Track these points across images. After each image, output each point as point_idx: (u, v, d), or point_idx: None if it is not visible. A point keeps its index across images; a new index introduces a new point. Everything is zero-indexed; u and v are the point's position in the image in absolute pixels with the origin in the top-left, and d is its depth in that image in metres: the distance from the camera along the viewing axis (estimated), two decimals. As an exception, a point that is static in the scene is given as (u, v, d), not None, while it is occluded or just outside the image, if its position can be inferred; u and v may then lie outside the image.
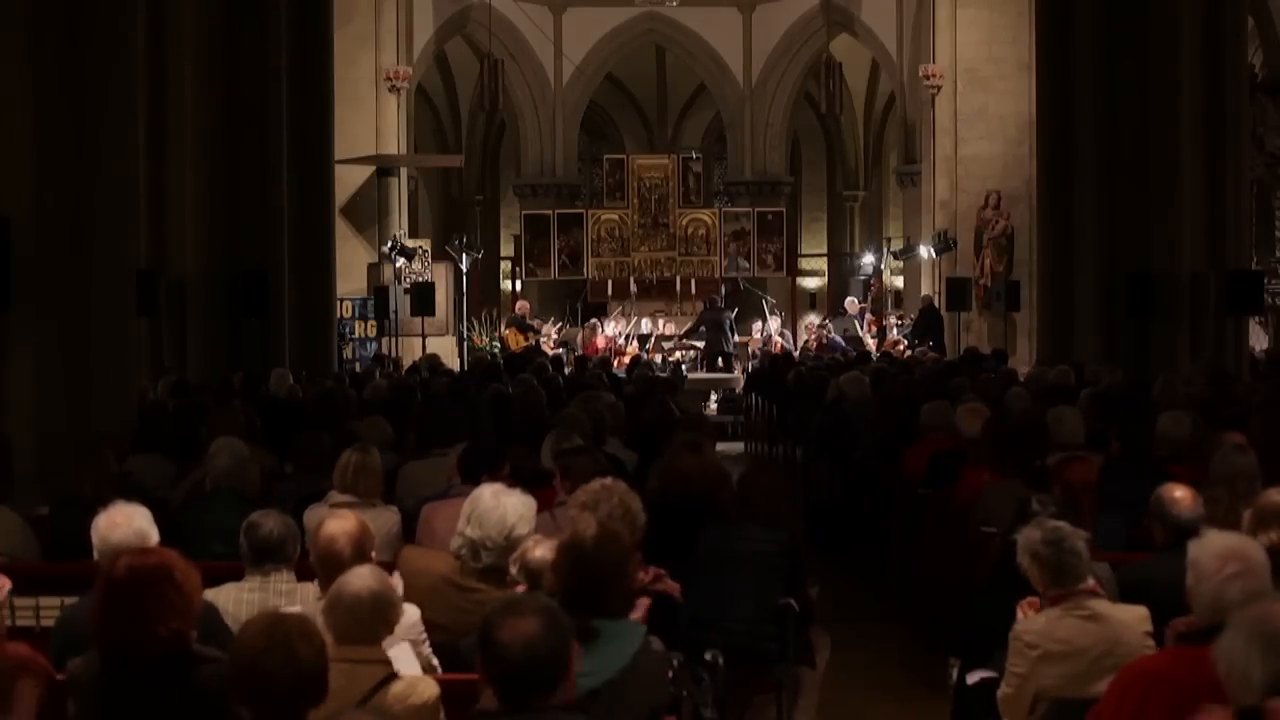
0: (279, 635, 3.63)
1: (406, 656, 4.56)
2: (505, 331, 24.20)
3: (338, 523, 5.04)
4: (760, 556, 6.33)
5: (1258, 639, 3.45)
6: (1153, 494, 5.69)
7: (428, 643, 4.94)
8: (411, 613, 4.84)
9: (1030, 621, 4.96)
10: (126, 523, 5.12)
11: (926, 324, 22.98)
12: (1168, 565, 5.02)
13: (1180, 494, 5.60)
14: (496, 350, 23.57)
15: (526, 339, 23.50)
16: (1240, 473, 6.30)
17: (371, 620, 4.30)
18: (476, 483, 5.86)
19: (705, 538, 6.32)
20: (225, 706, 3.72)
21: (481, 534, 5.23)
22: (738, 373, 22.89)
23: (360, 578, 4.39)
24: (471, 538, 5.24)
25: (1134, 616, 4.93)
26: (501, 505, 5.28)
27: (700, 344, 24.19)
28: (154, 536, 5.12)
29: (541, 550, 4.86)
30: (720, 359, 23.51)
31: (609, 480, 5.44)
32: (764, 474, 7.29)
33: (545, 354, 19.99)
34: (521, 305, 25.55)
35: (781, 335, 24.97)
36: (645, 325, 25.70)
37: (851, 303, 26.82)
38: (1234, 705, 3.44)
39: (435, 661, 4.92)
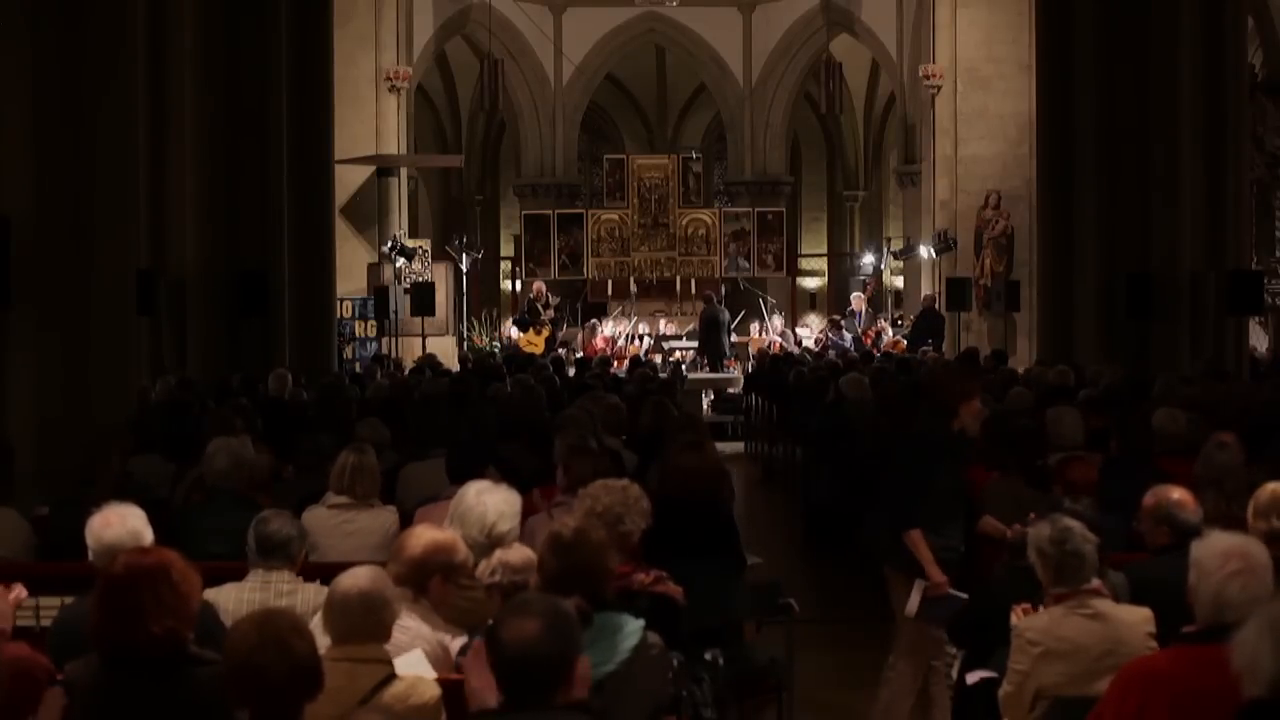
0: (270, 632, 3.62)
1: (421, 665, 4.55)
2: (517, 338, 23.95)
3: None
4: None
5: (1271, 631, 3.45)
6: (1147, 496, 5.70)
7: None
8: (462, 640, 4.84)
9: (1033, 619, 4.98)
10: (120, 522, 5.11)
11: (926, 325, 22.98)
12: (1169, 565, 5.03)
13: (1179, 495, 5.62)
14: (496, 350, 23.55)
15: (539, 332, 23.37)
16: (1227, 471, 6.30)
17: (362, 618, 4.28)
18: (464, 483, 5.86)
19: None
20: (223, 708, 3.71)
21: (463, 532, 5.26)
22: (737, 373, 22.88)
23: (354, 577, 4.39)
24: None
25: (1137, 617, 4.94)
26: (483, 503, 5.32)
27: (696, 343, 24.17)
28: (148, 536, 5.11)
29: (515, 555, 4.89)
30: (714, 359, 23.41)
31: (614, 480, 5.44)
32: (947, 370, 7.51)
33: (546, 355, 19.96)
34: (537, 287, 25.05)
35: (782, 336, 24.93)
36: (645, 325, 25.69)
37: (857, 298, 26.81)
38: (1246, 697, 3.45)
39: None
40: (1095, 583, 4.95)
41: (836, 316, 27.54)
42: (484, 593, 5.09)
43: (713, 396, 21.97)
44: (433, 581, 4.79)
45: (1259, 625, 3.49)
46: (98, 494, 6.37)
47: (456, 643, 4.80)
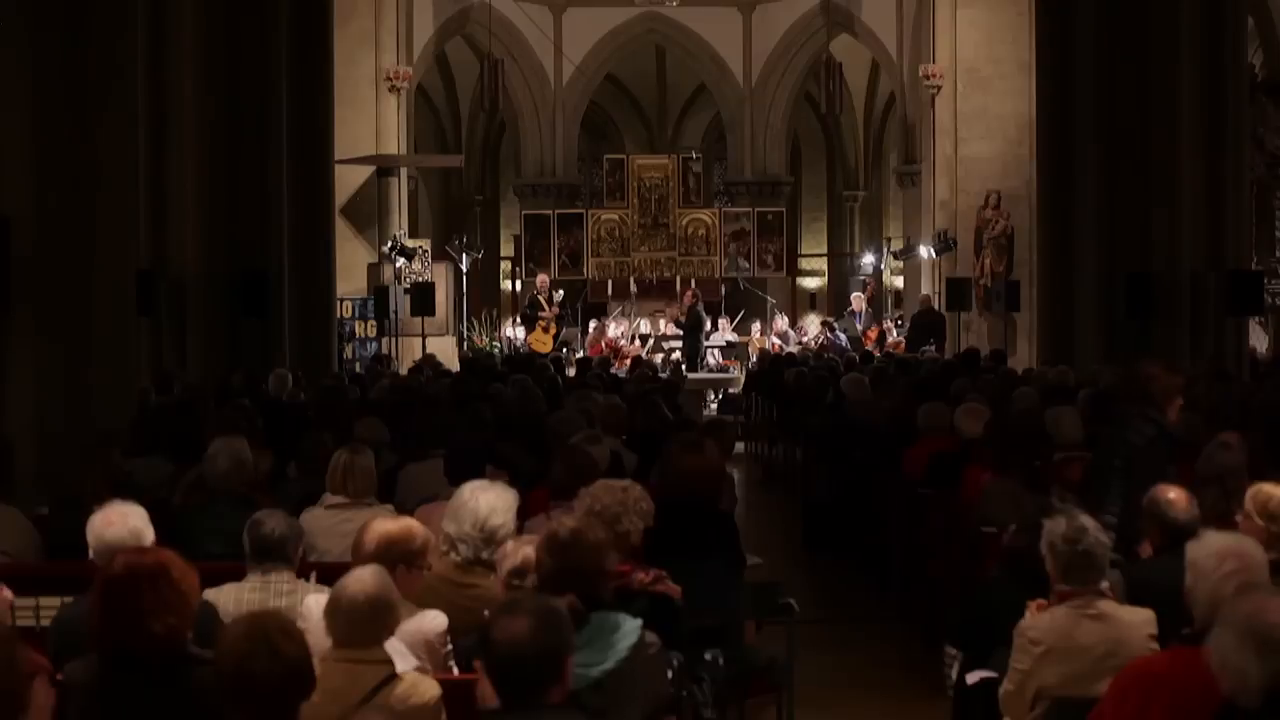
0: (260, 635, 3.62)
1: (404, 656, 4.55)
2: (530, 339, 23.88)
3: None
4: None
5: (1250, 638, 3.42)
6: (1145, 496, 5.70)
7: (452, 653, 4.93)
8: (438, 620, 4.86)
9: (1036, 618, 4.97)
10: (121, 521, 5.11)
11: (925, 325, 22.96)
12: (1164, 566, 5.03)
13: (1174, 495, 5.61)
14: (496, 349, 23.51)
15: (546, 329, 23.31)
16: (1229, 470, 6.30)
17: (369, 624, 4.29)
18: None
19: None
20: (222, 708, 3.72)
21: (457, 528, 5.32)
22: (737, 373, 22.88)
23: (359, 581, 4.39)
24: (449, 532, 5.32)
25: (1140, 618, 4.93)
26: (476, 499, 5.36)
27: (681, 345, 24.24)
28: (149, 535, 5.11)
29: (525, 549, 4.90)
30: (690, 359, 23.43)
31: (615, 480, 5.44)
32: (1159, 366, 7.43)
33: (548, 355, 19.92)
34: (541, 280, 24.94)
35: (782, 338, 24.91)
36: (645, 325, 25.69)
37: (857, 298, 26.83)
38: (1227, 698, 3.43)
39: (456, 670, 4.90)
40: (1104, 585, 4.95)
41: (830, 318, 27.54)
42: (486, 589, 5.09)
43: (713, 396, 21.98)
44: (396, 573, 4.79)
45: (1235, 631, 3.44)
46: (92, 494, 6.38)
47: (430, 622, 4.81)
